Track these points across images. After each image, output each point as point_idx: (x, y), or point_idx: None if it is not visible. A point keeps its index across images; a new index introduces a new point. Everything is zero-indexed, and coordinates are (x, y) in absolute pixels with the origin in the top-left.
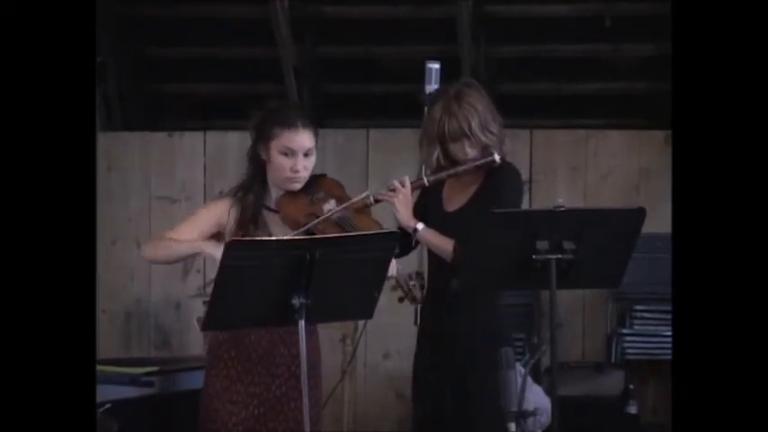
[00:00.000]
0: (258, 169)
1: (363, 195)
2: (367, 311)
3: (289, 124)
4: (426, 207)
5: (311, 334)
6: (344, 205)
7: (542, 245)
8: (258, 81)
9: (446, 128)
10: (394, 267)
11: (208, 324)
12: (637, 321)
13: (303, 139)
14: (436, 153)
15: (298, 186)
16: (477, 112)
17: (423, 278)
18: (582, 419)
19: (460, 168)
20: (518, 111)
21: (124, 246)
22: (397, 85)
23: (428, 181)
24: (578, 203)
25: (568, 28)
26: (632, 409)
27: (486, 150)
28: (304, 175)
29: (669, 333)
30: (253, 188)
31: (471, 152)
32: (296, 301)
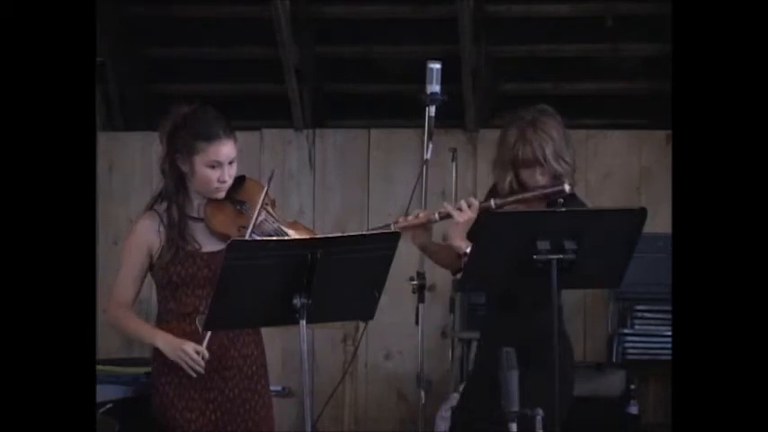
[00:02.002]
0: (178, 180)
1: (425, 213)
2: (368, 312)
3: (211, 137)
4: None
5: (257, 333)
6: (253, 220)
7: (543, 245)
8: (259, 81)
9: (520, 154)
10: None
11: (209, 324)
12: (638, 321)
13: (228, 149)
14: (509, 178)
15: (222, 195)
16: (553, 141)
17: (424, 278)
18: (583, 419)
19: (529, 194)
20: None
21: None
22: (397, 85)
23: (495, 205)
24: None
25: (569, 28)
26: (633, 410)
27: (556, 179)
28: (230, 182)
29: (670, 333)
30: (176, 200)
31: (542, 179)
32: (297, 302)
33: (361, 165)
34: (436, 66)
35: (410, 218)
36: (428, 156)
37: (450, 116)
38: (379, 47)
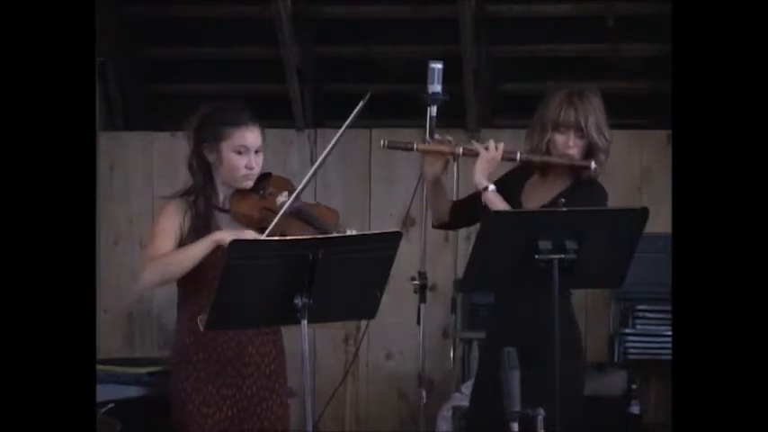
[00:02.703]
0: (206, 173)
1: (450, 143)
2: (370, 311)
3: (239, 122)
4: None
5: (276, 333)
6: (298, 190)
7: (545, 245)
8: (260, 81)
9: (562, 115)
10: None
11: (210, 324)
12: (639, 321)
13: (254, 136)
14: (547, 137)
15: (251, 184)
16: (596, 113)
17: (425, 278)
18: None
19: (555, 159)
20: (520, 111)
21: (126, 246)
22: (399, 85)
23: (520, 156)
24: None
25: (570, 28)
26: (635, 409)
27: (586, 155)
28: (257, 171)
29: (671, 333)
30: (203, 192)
31: (574, 148)
32: (298, 301)
33: (363, 165)
34: (438, 66)
35: (435, 140)
36: None
37: (452, 116)
38: (380, 47)
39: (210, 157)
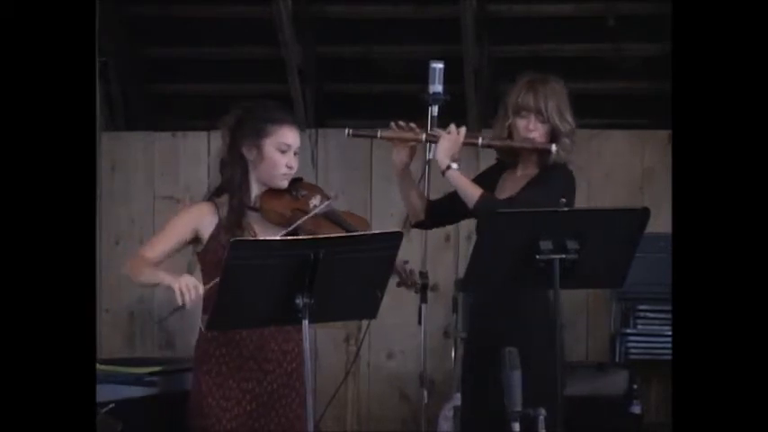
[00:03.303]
0: (241, 171)
1: (413, 129)
2: (371, 311)
3: (283, 121)
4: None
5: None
6: (324, 204)
7: (546, 245)
8: (261, 81)
9: (521, 98)
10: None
11: (211, 324)
12: (640, 321)
13: (296, 135)
14: (508, 122)
15: (286, 184)
16: (557, 98)
17: (426, 277)
18: (585, 419)
19: (516, 143)
20: None
21: (128, 246)
22: (400, 85)
23: (482, 141)
24: (582, 204)
25: (571, 28)
26: (636, 409)
27: (548, 139)
28: (294, 172)
29: None
30: (238, 191)
31: (534, 132)
32: (300, 301)
33: (364, 165)
34: (439, 65)
35: (399, 127)
36: (430, 156)
37: (453, 116)
38: (382, 47)
39: (250, 155)
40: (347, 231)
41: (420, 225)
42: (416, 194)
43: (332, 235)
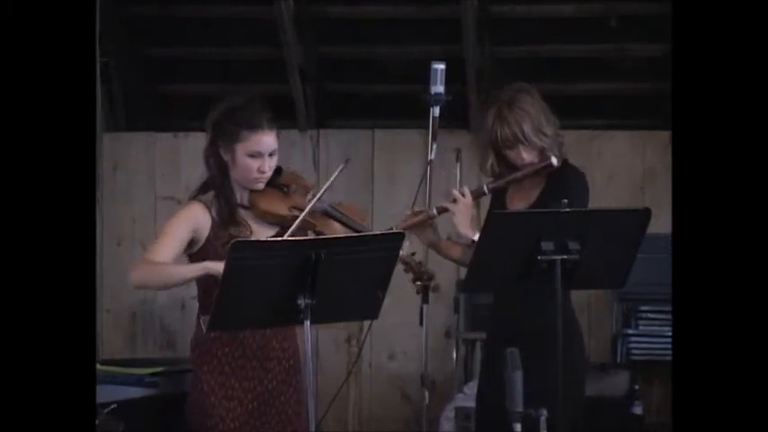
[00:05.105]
0: (223, 168)
1: (423, 211)
2: (372, 312)
3: (254, 126)
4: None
5: (289, 329)
6: (322, 190)
7: (547, 245)
8: (262, 81)
9: (499, 135)
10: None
11: (213, 324)
12: (642, 322)
13: (269, 140)
14: (490, 160)
15: (262, 186)
16: (530, 116)
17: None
18: (587, 420)
19: (519, 174)
20: None
21: (129, 246)
22: (401, 86)
23: (488, 189)
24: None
25: (573, 28)
26: (637, 410)
27: (543, 154)
28: (269, 174)
29: None
30: (223, 188)
31: (528, 157)
32: (301, 302)
33: (366, 166)
34: (440, 66)
35: (408, 215)
36: (432, 156)
37: (455, 116)
38: (383, 47)
39: (226, 156)
40: (353, 230)
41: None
42: (455, 248)
43: (333, 236)
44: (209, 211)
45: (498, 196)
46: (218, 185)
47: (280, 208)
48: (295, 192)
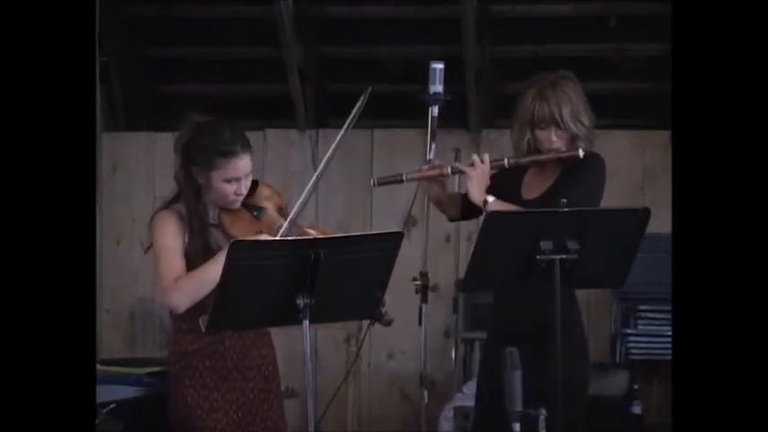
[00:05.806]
0: (196, 191)
1: (440, 166)
2: (371, 312)
3: (229, 154)
4: (502, 193)
5: (269, 334)
6: (294, 212)
7: (546, 245)
8: (262, 81)
9: (536, 112)
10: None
11: (212, 324)
12: (641, 322)
13: (244, 164)
14: (527, 137)
15: (238, 205)
16: (571, 101)
17: (427, 278)
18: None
19: (543, 157)
20: None
21: (128, 246)
22: (400, 86)
23: (508, 162)
24: None
25: (572, 28)
26: (636, 409)
27: (572, 143)
28: (245, 192)
29: None
30: (195, 210)
31: (558, 142)
32: (300, 302)
33: (365, 165)
34: (439, 66)
35: (424, 168)
36: (431, 156)
37: (454, 116)
38: (383, 47)
39: (200, 179)
40: None
41: (455, 219)
42: (453, 204)
43: (333, 236)
44: (182, 221)
45: (514, 179)
46: (191, 208)
47: (247, 233)
48: (265, 216)
